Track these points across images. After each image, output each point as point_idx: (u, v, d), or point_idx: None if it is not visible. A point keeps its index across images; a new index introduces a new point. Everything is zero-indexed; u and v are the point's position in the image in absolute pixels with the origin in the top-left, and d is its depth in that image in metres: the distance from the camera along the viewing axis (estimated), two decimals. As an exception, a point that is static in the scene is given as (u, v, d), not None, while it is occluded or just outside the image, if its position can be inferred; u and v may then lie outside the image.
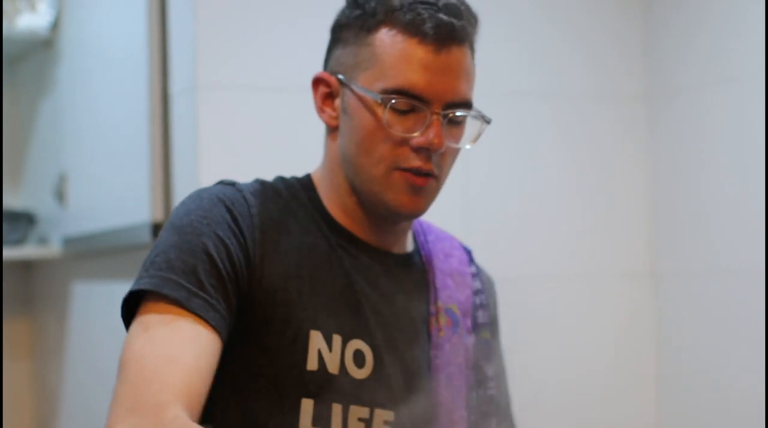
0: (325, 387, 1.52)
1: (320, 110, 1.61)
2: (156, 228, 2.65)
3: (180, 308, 1.44)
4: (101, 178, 3.01)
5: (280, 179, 1.64)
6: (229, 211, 1.53)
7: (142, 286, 1.48)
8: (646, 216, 2.89)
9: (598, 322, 2.85)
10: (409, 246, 1.67)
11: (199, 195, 1.56)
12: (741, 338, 2.66)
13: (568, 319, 2.83)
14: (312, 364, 1.51)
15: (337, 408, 1.52)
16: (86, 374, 3.28)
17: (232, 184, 1.58)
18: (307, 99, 2.52)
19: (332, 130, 1.61)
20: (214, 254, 1.48)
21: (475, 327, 1.68)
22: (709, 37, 2.75)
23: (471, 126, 1.58)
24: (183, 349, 1.42)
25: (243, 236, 1.52)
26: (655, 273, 2.88)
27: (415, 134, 1.52)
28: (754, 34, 2.61)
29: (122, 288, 3.04)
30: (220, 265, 1.48)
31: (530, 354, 2.69)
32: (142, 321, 1.46)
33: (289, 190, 1.61)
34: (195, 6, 2.52)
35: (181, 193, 2.60)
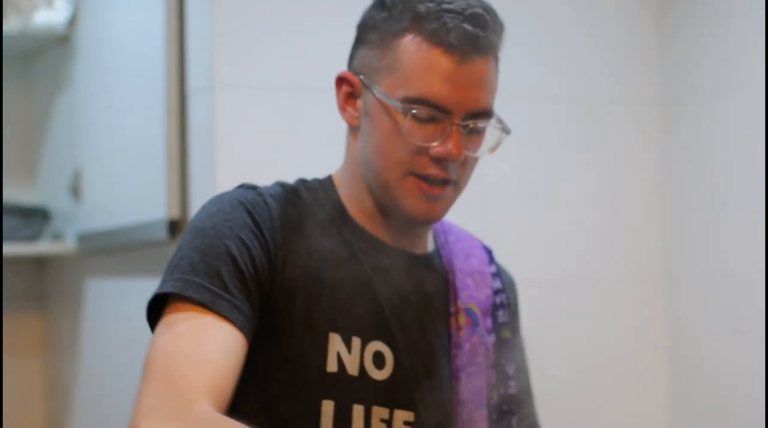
0: (345, 388, 1.53)
1: (342, 109, 1.61)
2: (172, 226, 2.65)
3: (205, 309, 1.45)
4: (117, 175, 3.01)
5: (301, 181, 1.64)
6: (250, 214, 1.53)
7: (167, 289, 1.48)
8: (661, 221, 2.89)
9: (611, 327, 2.85)
10: (430, 246, 1.68)
11: (220, 199, 1.56)
12: (754, 344, 2.65)
13: (581, 324, 2.82)
14: (332, 366, 1.52)
15: (358, 410, 1.53)
16: (99, 371, 3.29)
17: (253, 188, 1.59)
18: (323, 98, 2.52)
19: (354, 129, 1.61)
20: (237, 257, 1.49)
21: (495, 326, 1.68)
22: (724, 43, 2.74)
23: (490, 133, 1.58)
24: (209, 347, 1.43)
25: (264, 239, 1.52)
26: (669, 279, 2.87)
27: (435, 144, 1.52)
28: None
29: (137, 286, 3.07)
30: (243, 268, 1.49)
31: (543, 358, 2.70)
32: (167, 321, 1.47)
33: (310, 193, 1.62)
34: (213, 4, 2.52)
35: (197, 190, 2.60)
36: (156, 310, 1.50)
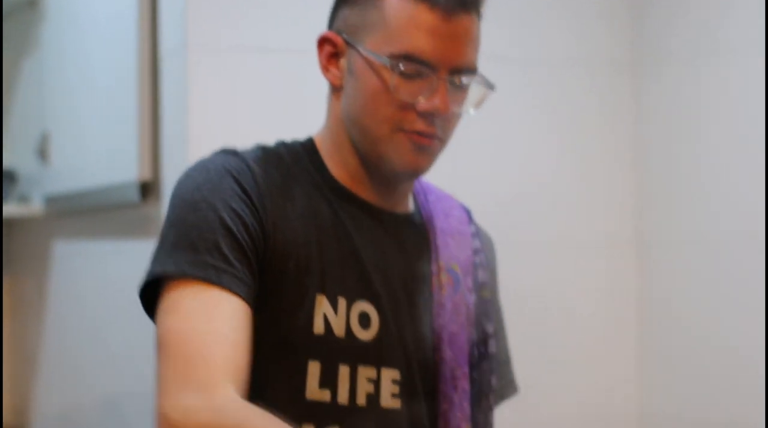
0: (332, 349, 1.54)
1: (325, 69, 1.62)
2: (144, 188, 2.64)
3: (210, 284, 1.45)
4: (86, 137, 3.00)
5: (282, 144, 1.65)
6: (237, 181, 1.53)
7: (168, 269, 1.48)
8: (633, 184, 2.89)
9: (581, 289, 2.86)
10: (410, 206, 1.69)
11: (204, 166, 1.56)
12: (725, 306, 2.67)
13: (551, 286, 2.83)
14: (318, 328, 1.53)
15: (344, 370, 1.54)
16: (66, 334, 3.28)
17: (234, 153, 1.58)
18: (297, 59, 2.52)
19: (336, 89, 1.62)
20: (233, 227, 1.49)
21: (476, 285, 1.70)
22: (702, 5, 2.73)
23: (474, 90, 1.60)
24: (221, 324, 1.43)
25: (254, 206, 1.52)
26: (640, 241, 2.89)
27: (421, 99, 1.54)
28: (752, 3, 2.59)
29: (106, 248, 3.04)
30: (240, 238, 1.49)
31: (511, 322, 2.71)
32: (172, 300, 1.46)
33: (291, 155, 1.62)
34: (185, -35, 2.51)
35: (170, 152, 2.59)
36: (150, 289, 1.50)
